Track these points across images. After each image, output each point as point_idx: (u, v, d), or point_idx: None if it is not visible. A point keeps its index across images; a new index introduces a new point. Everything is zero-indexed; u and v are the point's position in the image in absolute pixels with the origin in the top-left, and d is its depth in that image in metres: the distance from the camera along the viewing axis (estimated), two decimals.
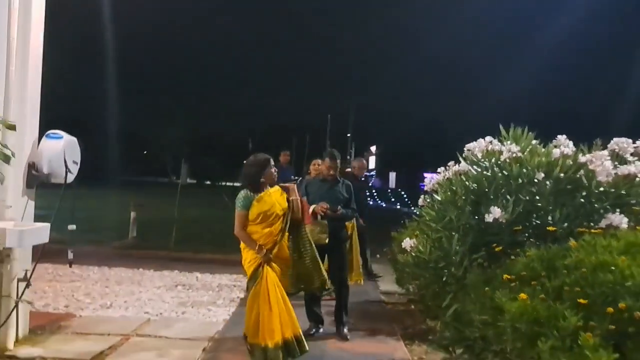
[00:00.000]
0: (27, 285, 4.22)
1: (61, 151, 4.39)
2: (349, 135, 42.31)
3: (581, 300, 2.00)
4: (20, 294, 4.17)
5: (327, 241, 4.64)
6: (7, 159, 3.60)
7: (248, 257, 3.81)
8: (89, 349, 4.19)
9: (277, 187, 3.91)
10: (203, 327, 5.03)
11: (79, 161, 4.68)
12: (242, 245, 3.86)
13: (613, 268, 2.07)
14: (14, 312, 4.10)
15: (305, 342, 3.74)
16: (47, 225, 4.13)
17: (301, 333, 3.77)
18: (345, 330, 4.87)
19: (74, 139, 4.63)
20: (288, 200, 3.88)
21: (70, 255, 4.84)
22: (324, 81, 51.66)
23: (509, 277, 2.44)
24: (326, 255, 4.78)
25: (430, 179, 3.89)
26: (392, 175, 46.04)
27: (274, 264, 3.76)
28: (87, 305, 5.63)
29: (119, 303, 5.77)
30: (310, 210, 4.76)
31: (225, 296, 6.38)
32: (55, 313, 5.27)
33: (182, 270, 7.73)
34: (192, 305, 5.83)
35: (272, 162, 3.88)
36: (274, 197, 3.80)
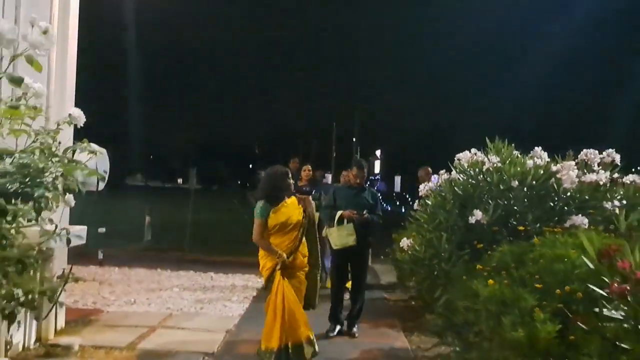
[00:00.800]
0: (66, 282, 4.74)
1: (94, 162, 4.92)
2: (354, 139, 42.81)
3: (537, 285, 2.47)
4: (59, 291, 4.69)
5: (354, 242, 4.95)
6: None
7: (265, 264, 3.96)
8: (121, 339, 4.70)
9: (293, 198, 4.04)
10: (220, 320, 5.54)
11: (108, 170, 5.22)
12: (260, 253, 4.01)
13: (566, 259, 2.54)
14: (55, 307, 4.62)
15: (315, 346, 3.87)
16: (85, 227, 4.65)
17: (311, 337, 3.86)
18: (355, 329, 5.21)
19: (104, 150, 5.17)
20: (304, 211, 3.99)
21: (101, 256, 5.36)
22: (330, 86, 52.25)
23: (482, 267, 2.93)
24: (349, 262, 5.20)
25: (424, 186, 4.38)
26: (398, 179, 46.47)
27: (291, 278, 3.88)
28: (112, 302, 6.15)
29: (141, 300, 6.29)
30: (338, 215, 5.09)
31: (239, 294, 6.88)
32: (85, 309, 5.79)
33: (197, 271, 8.25)
34: (208, 302, 6.34)
35: (290, 174, 4.01)
36: (291, 208, 3.93)
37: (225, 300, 6.48)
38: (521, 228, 3.22)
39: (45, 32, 1.57)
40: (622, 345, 1.50)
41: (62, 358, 4.18)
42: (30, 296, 2.48)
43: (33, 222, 2.05)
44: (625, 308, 1.47)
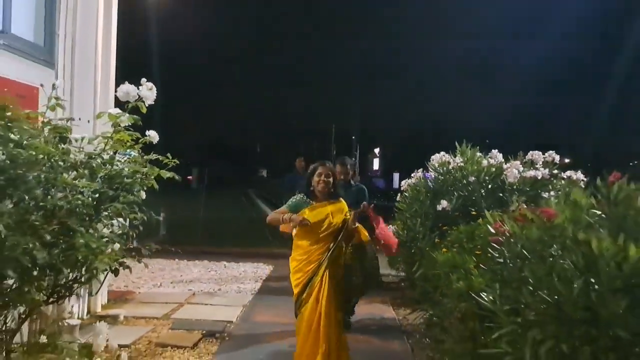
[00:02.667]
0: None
1: None
2: (353, 137, 43.80)
3: (477, 252, 3.41)
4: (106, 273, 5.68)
5: None
6: None
7: (294, 279, 3.76)
8: (156, 312, 5.68)
9: (342, 205, 3.80)
10: (237, 298, 6.52)
11: None
12: (292, 254, 3.84)
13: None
14: (104, 284, 5.60)
15: None
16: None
17: None
18: (349, 318, 5.35)
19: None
20: (344, 221, 3.74)
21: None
22: (330, 86, 53.18)
23: (441, 242, 3.89)
24: None
25: (405, 182, 5.36)
26: (396, 176, 47.50)
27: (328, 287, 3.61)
28: (141, 285, 7.13)
29: (166, 284, 7.27)
30: None
31: (250, 277, 7.87)
32: (120, 290, 6.76)
33: (211, 260, 9.21)
34: (225, 284, 7.32)
35: (320, 171, 3.75)
36: (329, 209, 3.72)
37: (239, 283, 7.46)
38: (474, 213, 4.16)
39: (150, 89, 2.51)
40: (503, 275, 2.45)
41: (112, 325, 5.14)
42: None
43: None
44: (501, 251, 2.46)
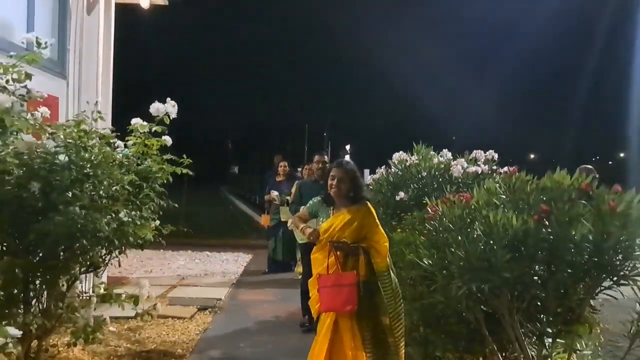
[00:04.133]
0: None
1: None
2: (325, 134, 44.68)
3: (424, 231, 4.29)
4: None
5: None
6: None
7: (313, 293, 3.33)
8: (153, 292, 6.38)
9: (368, 210, 3.33)
10: (223, 280, 7.30)
11: None
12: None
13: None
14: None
15: None
16: None
17: None
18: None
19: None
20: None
21: None
22: (302, 82, 53.92)
23: (397, 225, 4.77)
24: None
25: (370, 176, 6.23)
26: (367, 172, 48.71)
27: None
28: (134, 271, 7.82)
29: (156, 270, 7.98)
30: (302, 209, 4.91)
31: (232, 264, 8.64)
32: (114, 276, 7.42)
33: (194, 250, 9.91)
34: (210, 270, 8.09)
35: (332, 174, 3.31)
36: (340, 219, 3.26)
37: (223, 269, 8.22)
38: (425, 202, 5.04)
39: (173, 106, 3.27)
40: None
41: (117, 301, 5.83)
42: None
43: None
44: (435, 226, 3.35)
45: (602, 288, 2.69)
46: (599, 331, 3.23)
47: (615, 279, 2.56)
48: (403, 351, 3.25)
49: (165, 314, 5.31)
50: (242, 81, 57.54)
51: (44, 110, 2.97)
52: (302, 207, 4.60)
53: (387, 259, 3.33)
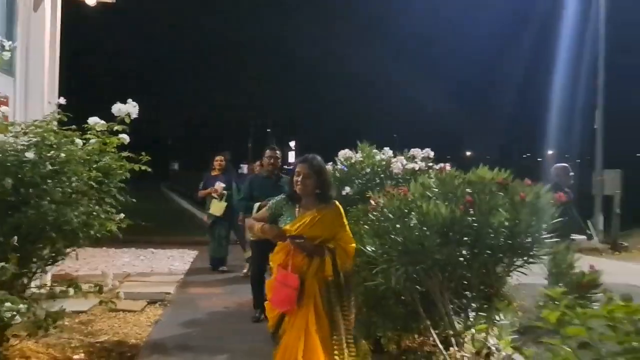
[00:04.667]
0: None
1: None
2: (268, 130, 44.66)
3: (368, 222, 4.69)
4: None
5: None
6: None
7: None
8: None
9: (337, 211, 3.22)
10: (171, 275, 7.42)
11: None
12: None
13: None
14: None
15: None
16: None
17: None
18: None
19: None
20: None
21: None
22: (245, 77, 53.55)
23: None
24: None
25: None
26: None
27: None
28: (78, 269, 7.73)
29: (101, 268, 7.91)
30: (257, 206, 4.89)
31: (179, 260, 8.73)
32: (59, 274, 7.33)
33: (138, 248, 9.85)
34: (157, 266, 8.15)
35: (297, 169, 3.12)
36: (309, 219, 3.07)
37: (169, 265, 8.30)
38: (369, 196, 5.45)
39: (134, 106, 3.43)
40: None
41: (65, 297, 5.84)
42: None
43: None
44: (377, 216, 3.73)
45: (515, 267, 3.15)
46: (515, 306, 3.73)
47: (525, 258, 3.03)
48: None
49: (116, 308, 5.39)
50: (184, 77, 56.40)
51: (4, 109, 3.06)
52: (256, 203, 4.94)
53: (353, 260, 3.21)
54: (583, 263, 3.15)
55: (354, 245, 3.23)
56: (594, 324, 1.80)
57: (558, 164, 6.58)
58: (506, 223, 3.00)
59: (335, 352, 2.91)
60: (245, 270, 7.36)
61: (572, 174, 6.41)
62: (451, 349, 3.51)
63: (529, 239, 2.99)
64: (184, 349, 4.38)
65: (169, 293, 6.31)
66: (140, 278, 7.19)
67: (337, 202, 3.25)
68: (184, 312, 5.56)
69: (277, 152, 5.58)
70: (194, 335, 4.78)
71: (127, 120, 3.49)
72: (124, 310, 5.38)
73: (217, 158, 8.20)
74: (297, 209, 3.15)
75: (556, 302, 1.86)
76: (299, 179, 3.08)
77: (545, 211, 2.94)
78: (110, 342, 4.45)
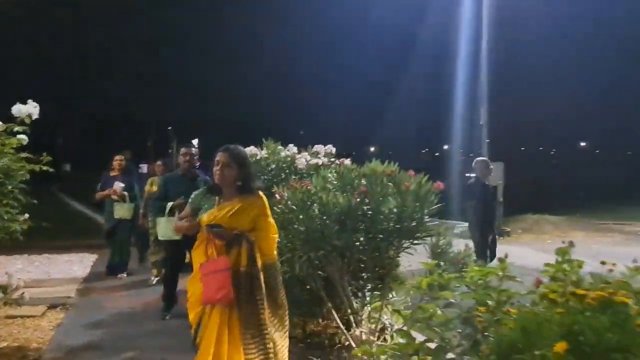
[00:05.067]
0: None
1: None
2: (170, 128, 43.17)
3: (275, 215, 4.94)
4: None
5: (179, 237, 4.31)
6: None
7: (191, 294, 3.00)
8: None
9: (260, 202, 3.07)
10: (70, 280, 7.12)
11: None
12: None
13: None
14: None
15: None
16: None
17: None
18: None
19: None
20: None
21: None
22: (144, 74, 51.30)
23: None
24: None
25: None
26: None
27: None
28: None
29: None
30: (169, 206, 4.94)
31: (78, 264, 8.37)
32: None
33: (31, 254, 9.26)
34: (54, 271, 7.77)
35: (217, 158, 2.99)
36: (228, 209, 2.96)
37: (68, 269, 7.95)
38: (274, 190, 5.71)
39: (35, 107, 3.35)
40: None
41: None
42: None
43: None
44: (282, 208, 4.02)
45: (403, 248, 3.58)
46: (408, 286, 4.18)
47: (411, 240, 3.45)
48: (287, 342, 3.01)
49: (12, 314, 5.16)
50: (80, 72, 52.69)
51: None
52: (169, 203, 4.95)
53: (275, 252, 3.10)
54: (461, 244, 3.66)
55: (276, 236, 3.12)
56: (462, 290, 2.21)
57: (479, 159, 6.85)
58: (395, 209, 3.40)
59: (251, 348, 2.76)
60: (153, 278, 7.03)
61: (491, 167, 6.98)
62: (351, 329, 3.87)
63: (414, 223, 3.42)
64: (91, 348, 4.35)
65: (69, 297, 6.10)
66: (37, 284, 6.83)
67: (261, 193, 3.11)
68: (89, 314, 5.44)
69: (193, 149, 5.42)
70: (100, 336, 4.73)
71: (28, 121, 3.42)
72: (22, 316, 5.15)
73: (117, 157, 7.75)
74: (216, 200, 3.03)
75: (430, 273, 2.25)
76: (218, 167, 2.96)
77: (427, 198, 3.38)
78: (10, 348, 4.29)
